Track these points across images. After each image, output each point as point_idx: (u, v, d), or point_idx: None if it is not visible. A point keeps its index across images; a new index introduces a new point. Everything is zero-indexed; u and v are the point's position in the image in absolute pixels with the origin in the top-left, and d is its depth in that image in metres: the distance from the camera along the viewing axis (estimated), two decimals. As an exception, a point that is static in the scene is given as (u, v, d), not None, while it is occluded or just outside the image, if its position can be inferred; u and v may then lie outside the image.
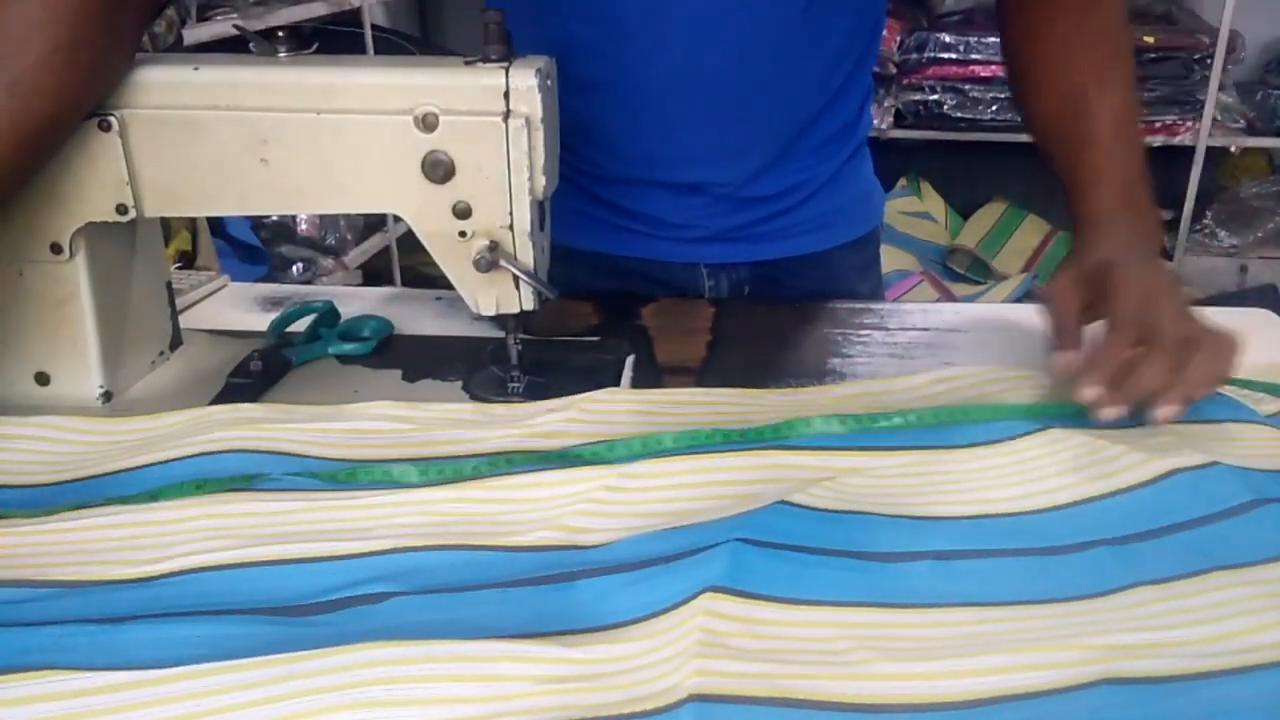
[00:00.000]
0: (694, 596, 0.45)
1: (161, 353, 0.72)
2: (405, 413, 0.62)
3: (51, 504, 0.54)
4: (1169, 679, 0.40)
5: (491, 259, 0.61)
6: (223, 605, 0.47)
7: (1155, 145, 2.48)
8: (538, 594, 0.47)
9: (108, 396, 0.66)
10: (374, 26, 2.36)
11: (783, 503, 0.51)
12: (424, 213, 0.61)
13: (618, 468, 0.54)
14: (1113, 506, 0.52)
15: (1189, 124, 2.48)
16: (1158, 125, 2.48)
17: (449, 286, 0.65)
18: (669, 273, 0.87)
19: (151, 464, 0.57)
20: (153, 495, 0.53)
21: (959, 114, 2.63)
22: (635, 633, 0.44)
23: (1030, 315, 0.79)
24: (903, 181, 2.90)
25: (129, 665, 0.42)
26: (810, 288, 0.88)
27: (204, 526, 0.52)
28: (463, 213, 0.61)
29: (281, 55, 0.61)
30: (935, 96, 2.64)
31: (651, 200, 0.83)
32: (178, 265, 1.51)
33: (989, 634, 0.43)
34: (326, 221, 2.20)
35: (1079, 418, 0.58)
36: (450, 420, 0.62)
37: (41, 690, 0.40)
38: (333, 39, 1.99)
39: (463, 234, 0.61)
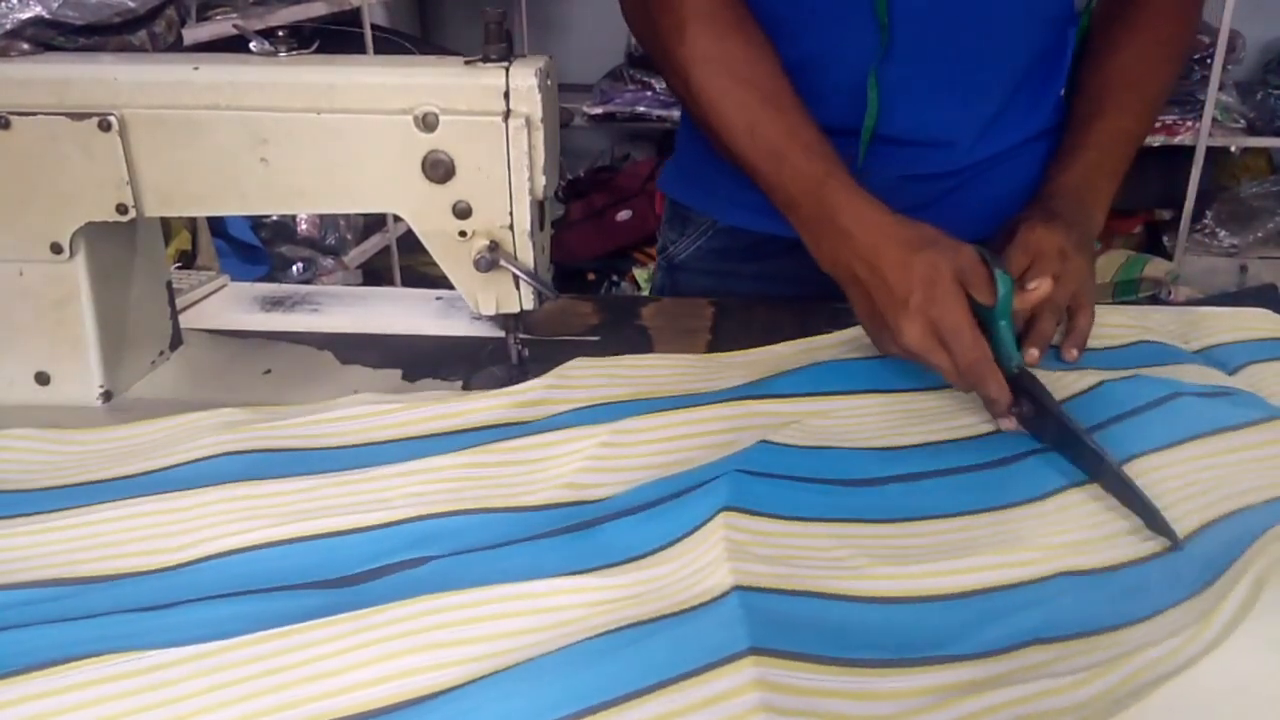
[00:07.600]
0: (711, 518, 0.50)
1: (161, 352, 0.72)
2: (391, 399, 0.63)
3: (48, 508, 0.53)
4: (1117, 567, 0.48)
5: (491, 259, 0.61)
6: (265, 584, 0.47)
7: (1155, 145, 2.47)
8: (564, 543, 0.51)
9: (108, 396, 0.66)
10: (374, 26, 2.35)
11: (765, 442, 0.57)
12: (424, 213, 0.61)
13: (609, 425, 0.59)
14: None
15: (1189, 124, 2.47)
16: (1158, 125, 2.48)
17: (449, 286, 0.65)
18: None
19: (146, 472, 0.57)
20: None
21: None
22: (666, 556, 0.49)
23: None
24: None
25: (184, 643, 0.42)
26: None
27: (223, 510, 0.52)
28: (463, 213, 0.61)
29: (281, 55, 0.61)
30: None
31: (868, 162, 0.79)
32: (178, 265, 1.51)
33: (959, 540, 0.51)
34: (326, 221, 2.19)
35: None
36: (435, 398, 0.64)
37: (100, 674, 0.41)
38: (333, 39, 1.99)
39: (463, 234, 0.61)
